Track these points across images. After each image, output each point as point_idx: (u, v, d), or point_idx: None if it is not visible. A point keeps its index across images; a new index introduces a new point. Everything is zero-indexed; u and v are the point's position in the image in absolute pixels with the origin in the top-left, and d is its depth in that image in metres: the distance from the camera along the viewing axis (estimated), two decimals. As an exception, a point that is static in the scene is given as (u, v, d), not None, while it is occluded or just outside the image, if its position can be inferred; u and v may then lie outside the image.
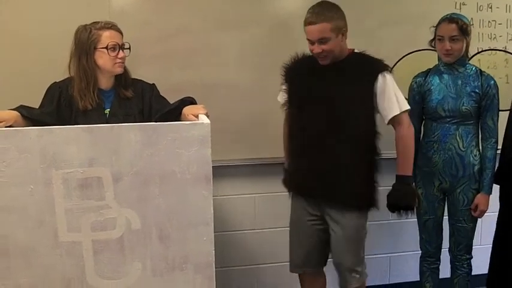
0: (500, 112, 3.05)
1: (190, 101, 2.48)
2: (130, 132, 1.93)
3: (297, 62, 2.87)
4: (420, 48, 3.36)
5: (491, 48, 3.61)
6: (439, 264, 3.26)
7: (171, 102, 2.55)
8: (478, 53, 3.39)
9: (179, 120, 2.37)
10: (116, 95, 2.56)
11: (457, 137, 2.98)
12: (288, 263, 3.02)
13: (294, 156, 2.88)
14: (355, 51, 2.78)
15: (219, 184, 3.33)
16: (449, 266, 3.25)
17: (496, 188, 3.05)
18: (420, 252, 3.28)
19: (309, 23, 2.64)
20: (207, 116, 2.23)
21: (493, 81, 3.00)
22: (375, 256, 3.74)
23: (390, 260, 3.87)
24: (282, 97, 2.93)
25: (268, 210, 3.10)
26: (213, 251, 2.08)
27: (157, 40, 3.14)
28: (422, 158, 3.08)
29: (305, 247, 2.92)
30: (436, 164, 3.04)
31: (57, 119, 2.45)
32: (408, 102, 2.87)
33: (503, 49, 3.37)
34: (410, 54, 3.44)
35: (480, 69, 3.05)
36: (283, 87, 2.91)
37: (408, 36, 3.43)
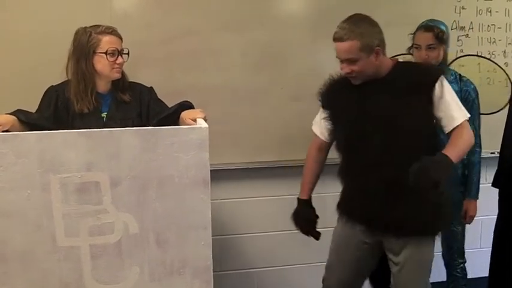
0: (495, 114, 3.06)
1: (189, 105, 2.47)
2: (129, 137, 1.93)
3: (334, 85, 2.59)
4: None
5: (476, 54, 3.61)
6: None
7: (172, 105, 2.54)
8: (457, 58, 3.35)
9: (177, 124, 2.37)
10: (114, 99, 2.56)
11: None
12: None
13: (347, 180, 2.61)
14: (400, 60, 2.57)
15: (218, 188, 3.33)
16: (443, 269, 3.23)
17: (494, 191, 3.03)
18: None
19: (336, 39, 2.39)
20: (205, 120, 2.23)
21: (472, 86, 2.99)
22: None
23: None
24: (320, 125, 2.66)
25: (266, 214, 3.09)
26: (211, 255, 2.07)
27: (160, 43, 3.14)
28: None
29: (345, 274, 2.67)
30: None
31: (54, 123, 2.44)
32: None
33: (480, 54, 3.33)
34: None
35: (460, 74, 3.03)
36: (324, 114, 2.63)
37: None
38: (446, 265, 3.19)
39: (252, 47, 3.28)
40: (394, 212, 2.39)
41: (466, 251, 3.17)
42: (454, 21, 3.51)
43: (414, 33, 2.98)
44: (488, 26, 3.60)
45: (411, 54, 3.02)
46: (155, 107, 2.59)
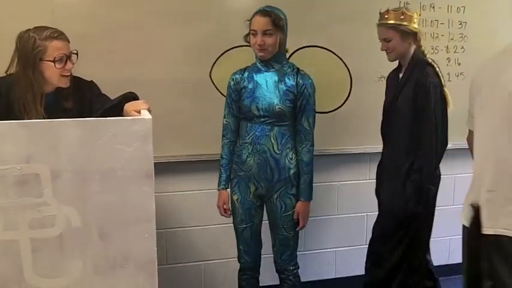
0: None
1: (133, 97, 2.44)
2: (69, 128, 1.89)
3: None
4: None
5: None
6: (258, 277, 3.14)
7: (113, 99, 2.50)
8: (299, 49, 3.27)
9: (121, 116, 2.33)
10: (56, 104, 2.48)
11: (272, 139, 2.85)
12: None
13: None
14: None
15: (163, 181, 3.31)
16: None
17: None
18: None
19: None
20: (149, 112, 2.20)
21: (310, 81, 2.87)
22: (321, 251, 3.79)
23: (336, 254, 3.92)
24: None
25: (212, 207, 3.09)
26: (155, 248, 2.05)
27: (102, 34, 3.10)
28: (237, 162, 2.96)
29: None
30: (251, 168, 2.90)
31: None
32: (225, 101, 2.91)
33: (322, 47, 3.29)
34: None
35: (298, 68, 2.92)
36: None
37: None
38: (278, 271, 3.09)
39: (194, 40, 3.26)
40: None
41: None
42: (399, 16, 3.57)
43: (250, 20, 2.84)
44: (432, 21, 3.69)
45: (248, 42, 2.89)
46: (97, 102, 2.52)
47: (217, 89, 3.15)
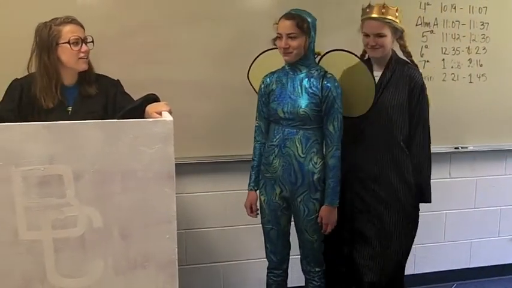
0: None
1: (154, 98, 2.46)
2: (92, 130, 1.91)
3: None
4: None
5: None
6: (286, 277, 3.13)
7: (136, 99, 2.52)
8: (326, 54, 3.06)
9: (142, 117, 2.35)
10: (79, 93, 2.54)
11: (297, 142, 2.84)
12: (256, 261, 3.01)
13: None
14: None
15: (184, 182, 3.33)
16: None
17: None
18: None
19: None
20: (170, 113, 2.22)
21: (335, 84, 2.82)
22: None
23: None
24: None
25: (233, 208, 3.10)
26: (176, 249, 2.06)
27: (122, 36, 3.11)
28: (265, 163, 2.95)
29: None
30: (276, 170, 2.89)
31: (18, 116, 2.41)
32: (258, 104, 2.90)
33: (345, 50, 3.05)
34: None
35: (325, 71, 2.86)
36: None
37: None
38: (303, 272, 3.08)
39: (215, 41, 3.27)
40: None
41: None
42: (419, 17, 3.55)
43: (278, 23, 2.82)
44: (453, 22, 3.65)
45: (276, 45, 2.86)
46: (121, 100, 2.57)
47: (255, 90, 3.09)
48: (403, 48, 3.03)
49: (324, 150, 2.88)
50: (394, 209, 2.98)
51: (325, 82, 2.80)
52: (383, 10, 2.88)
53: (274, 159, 2.87)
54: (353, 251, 3.08)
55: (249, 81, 3.06)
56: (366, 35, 2.92)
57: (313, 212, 2.88)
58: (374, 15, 2.88)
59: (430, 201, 3.03)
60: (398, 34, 2.96)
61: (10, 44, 2.86)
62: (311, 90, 2.81)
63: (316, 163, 2.84)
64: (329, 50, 2.98)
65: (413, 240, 3.08)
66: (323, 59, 2.98)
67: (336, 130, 2.83)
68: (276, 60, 2.92)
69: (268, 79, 2.93)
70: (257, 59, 3.06)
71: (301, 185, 2.85)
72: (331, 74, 2.85)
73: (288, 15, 2.77)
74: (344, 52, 2.95)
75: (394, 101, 2.92)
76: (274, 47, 2.90)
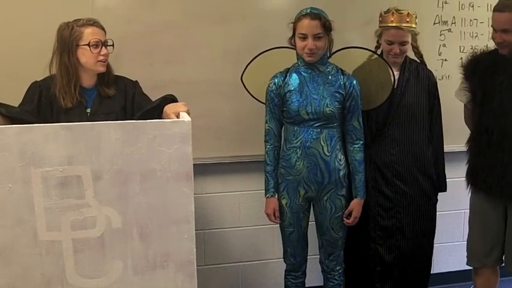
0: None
1: (172, 99, 2.47)
2: (111, 130, 1.93)
3: (476, 59, 2.88)
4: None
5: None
6: (305, 278, 3.10)
7: (154, 100, 2.54)
8: (338, 50, 3.02)
9: (161, 118, 2.36)
10: (98, 94, 2.55)
11: (322, 141, 2.81)
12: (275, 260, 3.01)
13: (478, 153, 2.86)
14: None
15: (202, 182, 3.33)
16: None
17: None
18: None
19: (496, 10, 2.72)
20: (188, 114, 2.22)
21: (355, 81, 2.83)
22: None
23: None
24: (462, 95, 2.93)
25: (251, 208, 3.09)
26: (195, 249, 2.07)
27: (140, 36, 3.12)
28: (285, 166, 2.90)
29: (488, 242, 2.91)
30: (301, 172, 2.84)
31: (37, 117, 2.43)
32: (266, 106, 2.86)
33: (366, 48, 3.04)
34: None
35: (341, 69, 2.86)
36: (464, 85, 2.92)
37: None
38: (323, 272, 3.07)
39: (233, 40, 3.27)
40: None
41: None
42: (437, 15, 3.52)
43: (296, 22, 2.76)
44: (471, 20, 3.61)
45: (293, 45, 2.81)
46: (140, 101, 2.59)
47: (249, 93, 3.09)
48: (416, 49, 3.09)
49: (347, 146, 2.91)
50: (419, 203, 3.05)
51: (348, 80, 2.82)
52: (408, 19, 2.92)
53: (298, 161, 2.83)
54: (378, 247, 3.09)
55: (243, 83, 3.03)
56: (390, 43, 2.95)
57: (340, 209, 2.89)
58: (403, 25, 2.92)
59: (446, 190, 3.14)
60: (414, 38, 3.03)
61: (32, 43, 2.87)
62: (334, 89, 2.80)
63: (340, 160, 2.85)
64: (341, 47, 2.98)
65: (434, 236, 3.15)
66: (333, 56, 2.97)
67: (360, 125, 2.87)
68: (273, 62, 2.92)
69: (276, 80, 2.86)
70: (252, 62, 3.04)
71: (328, 183, 2.84)
72: (345, 71, 2.87)
73: (313, 15, 2.71)
74: (359, 49, 2.99)
75: (416, 101, 3.01)
76: (270, 48, 2.91)
